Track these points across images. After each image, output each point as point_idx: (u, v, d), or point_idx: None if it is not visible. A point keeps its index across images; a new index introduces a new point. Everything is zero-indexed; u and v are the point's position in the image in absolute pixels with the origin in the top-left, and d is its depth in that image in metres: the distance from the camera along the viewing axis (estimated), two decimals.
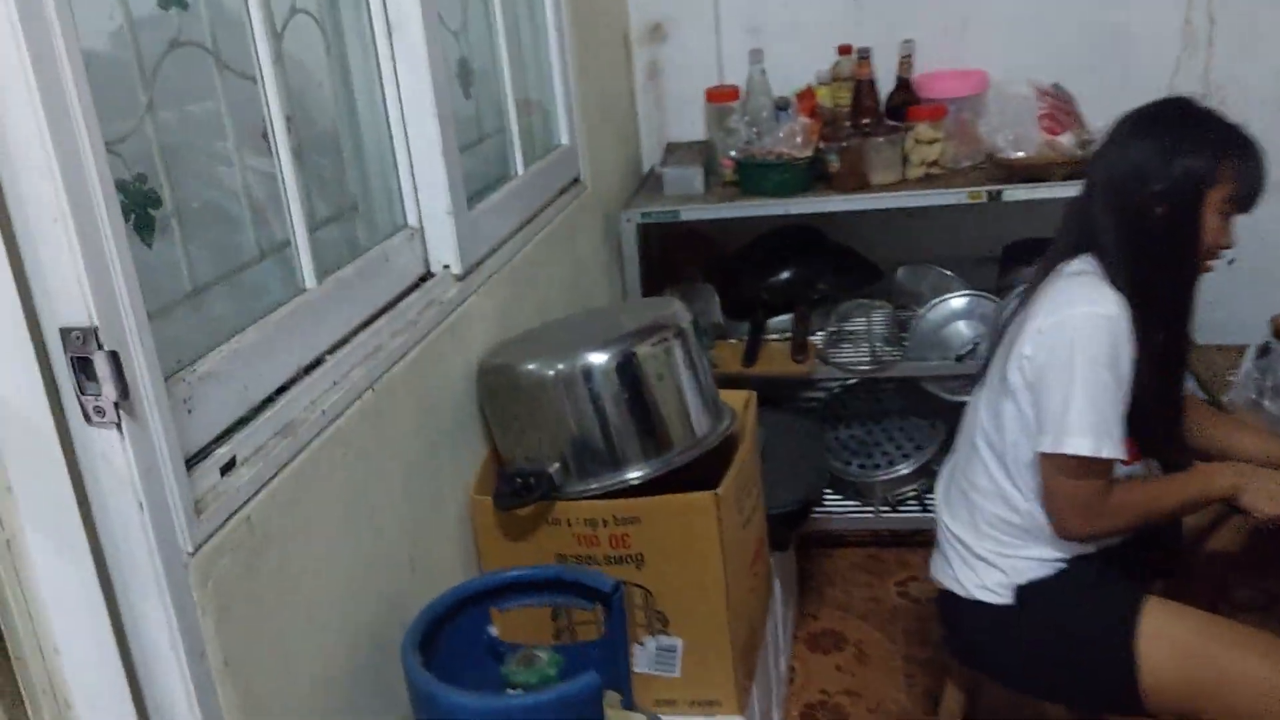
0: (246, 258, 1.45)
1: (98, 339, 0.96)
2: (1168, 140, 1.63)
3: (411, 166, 1.78)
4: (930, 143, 2.75)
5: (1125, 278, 1.63)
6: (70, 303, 0.96)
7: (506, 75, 2.22)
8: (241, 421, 1.25)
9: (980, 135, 2.81)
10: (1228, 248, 1.68)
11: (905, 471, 2.87)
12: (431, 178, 1.78)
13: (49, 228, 0.94)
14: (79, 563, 1.03)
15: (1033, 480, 1.70)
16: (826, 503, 2.88)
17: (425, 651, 1.34)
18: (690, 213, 2.68)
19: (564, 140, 2.53)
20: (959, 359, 2.62)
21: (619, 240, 2.70)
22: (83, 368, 0.97)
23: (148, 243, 1.18)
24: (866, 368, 2.67)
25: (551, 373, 1.65)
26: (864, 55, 2.81)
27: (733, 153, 2.79)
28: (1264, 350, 2.24)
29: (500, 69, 2.22)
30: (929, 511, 2.79)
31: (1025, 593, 1.74)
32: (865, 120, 2.81)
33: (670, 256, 2.99)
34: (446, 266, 1.81)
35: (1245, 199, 1.64)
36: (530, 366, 1.68)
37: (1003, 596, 1.76)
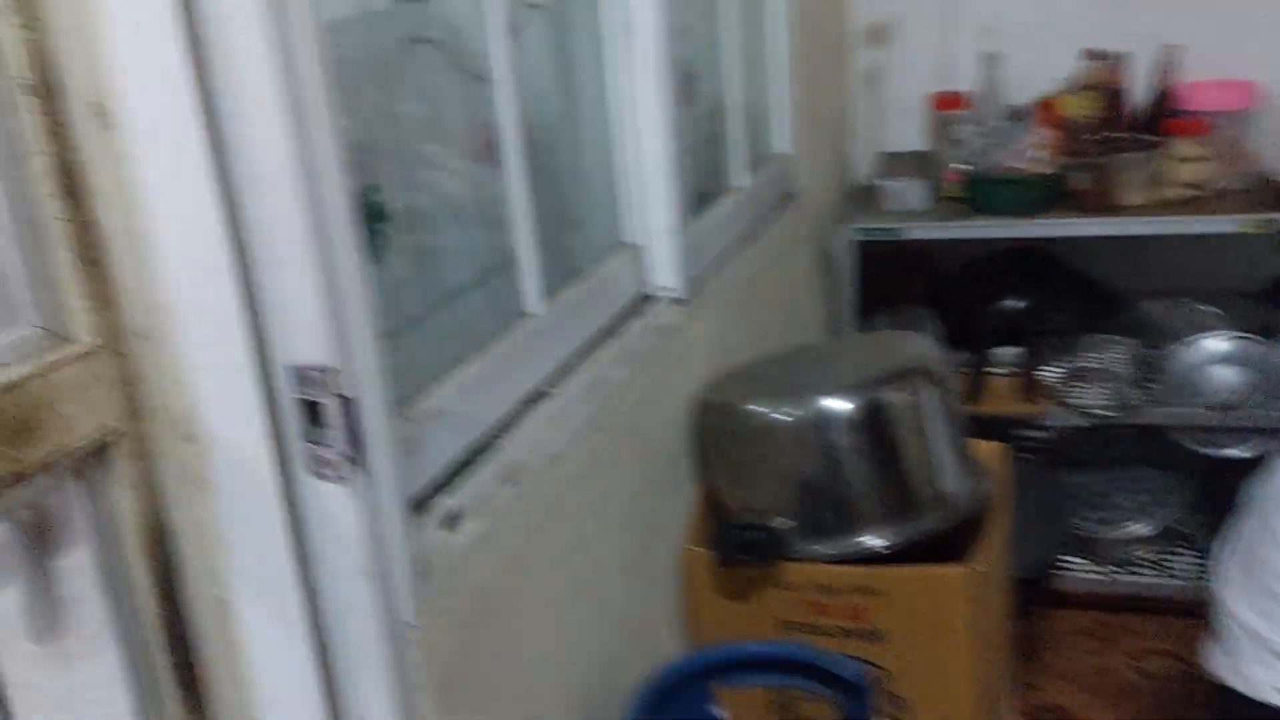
0: (468, 277, 1.32)
1: (331, 381, 0.83)
2: None
3: (636, 178, 1.62)
4: (1192, 161, 2.43)
5: None
6: (303, 337, 0.83)
7: (732, 78, 2.04)
8: (463, 466, 1.11)
9: (1250, 154, 2.47)
10: None
11: (1144, 532, 2.55)
12: (655, 191, 1.62)
13: (286, 248, 0.81)
14: (293, 630, 0.90)
15: None
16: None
17: None
18: (915, 230, 2.44)
19: (782, 149, 2.34)
20: (1221, 408, 2.29)
21: (831, 258, 2.49)
22: (311, 412, 0.84)
23: (377, 263, 1.05)
24: (1110, 412, 2.38)
25: (785, 418, 1.47)
26: (1117, 60, 2.51)
27: (960, 165, 2.54)
28: None
29: (723, 71, 2.04)
30: (1171, 577, 2.48)
31: None
32: (1115, 134, 2.51)
33: (883, 276, 2.76)
34: (667, 288, 1.65)
35: None
36: (760, 408, 1.50)
37: None
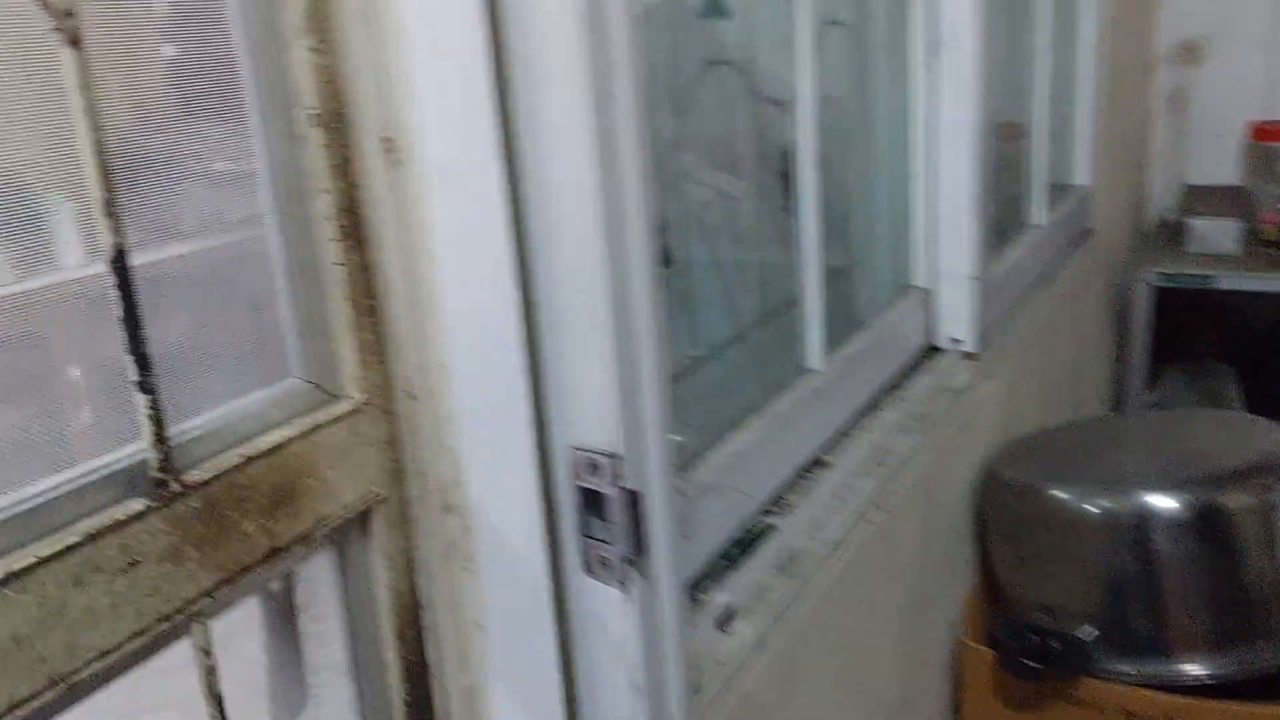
0: (741, 325, 1.19)
1: (616, 471, 0.71)
2: None
3: (930, 212, 1.44)
4: None
5: None
6: (590, 417, 0.71)
7: (1041, 101, 1.82)
8: (735, 549, 0.97)
9: None
10: None
11: None
12: (954, 228, 1.43)
13: (581, 314, 0.69)
14: None
15: None
16: None
17: None
18: (1227, 279, 2.13)
19: (1080, 180, 2.08)
20: None
21: (1124, 305, 2.20)
22: (591, 502, 0.72)
23: None
24: None
25: (1097, 510, 1.25)
26: None
27: None
28: None
29: (1034, 93, 1.82)
30: None
31: None
32: None
33: (1177, 326, 2.44)
34: (956, 340, 1.46)
35: None
36: (1066, 494, 1.29)
37: None
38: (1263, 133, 2.36)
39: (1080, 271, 2.02)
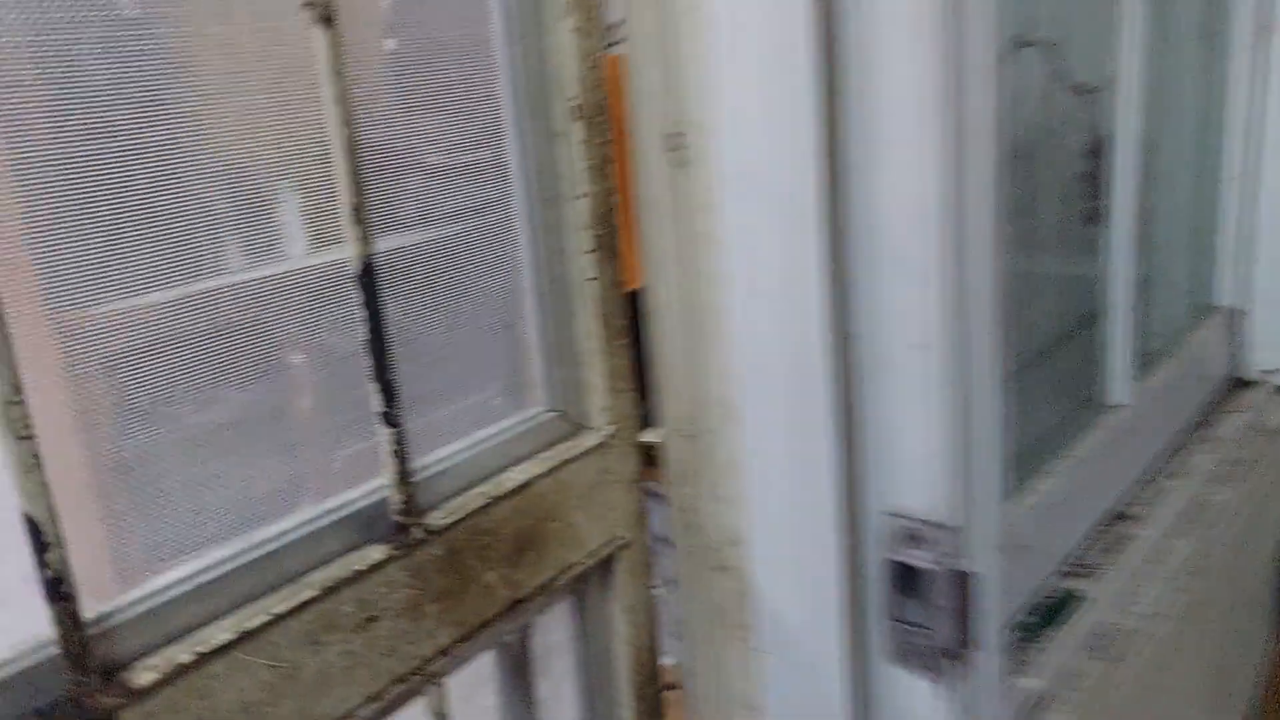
0: (1029, 350, 1.03)
1: (944, 544, 0.57)
2: None
3: (1248, 219, 1.23)
4: None
5: None
6: (913, 478, 0.58)
7: None
8: (1031, 620, 0.83)
9: None
10: None
11: None
12: (1278, 241, 1.22)
13: (912, 356, 0.56)
14: None
15: None
16: None
17: None
18: None
19: None
20: None
21: None
22: (907, 580, 0.59)
23: None
24: None
25: None
26: None
27: None
28: None
29: None
30: None
31: None
32: None
33: None
34: (1271, 372, 1.24)
35: None
36: None
37: None
38: None
39: None
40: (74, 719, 0.41)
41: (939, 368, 0.55)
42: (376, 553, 0.52)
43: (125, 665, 0.43)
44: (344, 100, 0.48)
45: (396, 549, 0.52)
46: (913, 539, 0.58)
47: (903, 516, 0.58)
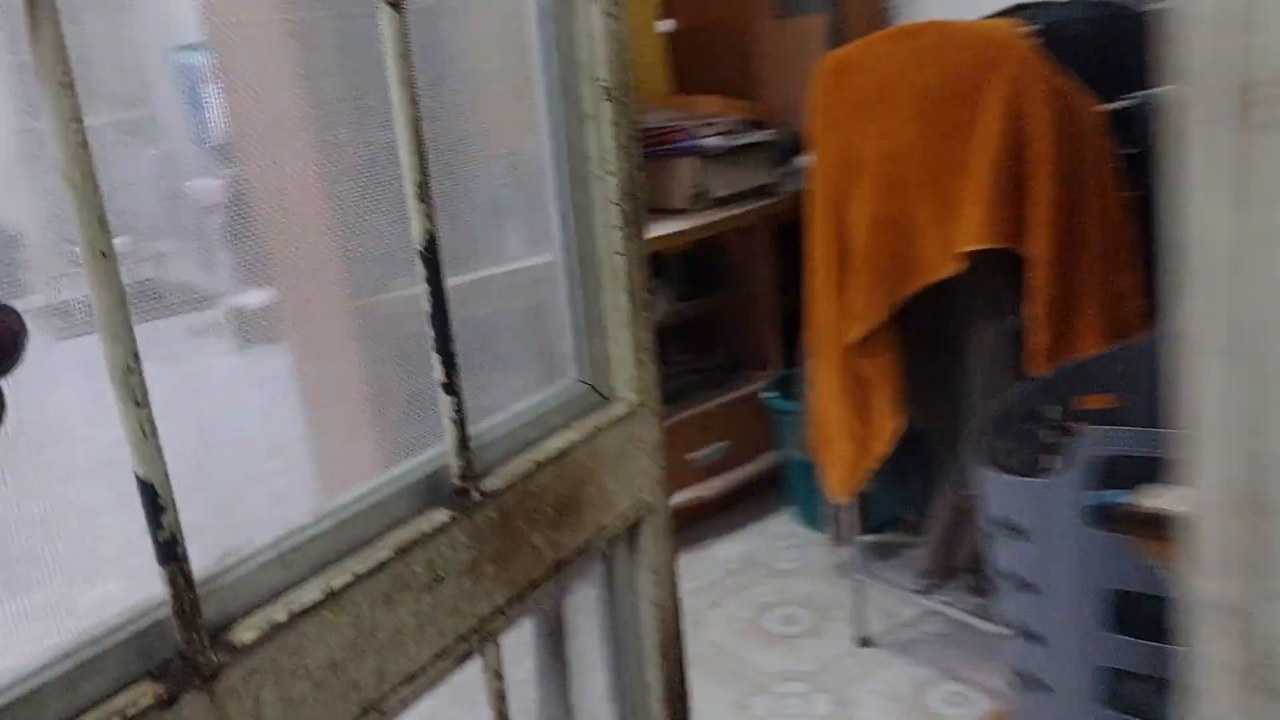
0: None
1: None
2: None
3: None
4: None
5: None
6: None
7: None
8: None
9: None
10: None
11: None
12: None
13: None
14: None
15: None
16: None
17: None
18: None
19: None
20: None
21: None
22: None
23: None
24: None
25: None
26: None
27: None
28: None
29: None
30: None
31: None
32: None
33: None
34: None
35: None
36: None
37: None
38: None
39: None
40: (185, 677, 0.42)
41: None
42: (441, 515, 0.54)
43: (229, 625, 0.45)
44: (409, 83, 0.50)
45: (458, 512, 0.55)
46: None
47: None
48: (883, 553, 1.86)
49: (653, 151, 2.01)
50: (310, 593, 0.47)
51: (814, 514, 2.04)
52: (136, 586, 0.44)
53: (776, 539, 2.09)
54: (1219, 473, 0.47)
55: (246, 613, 0.45)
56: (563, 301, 0.68)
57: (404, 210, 0.51)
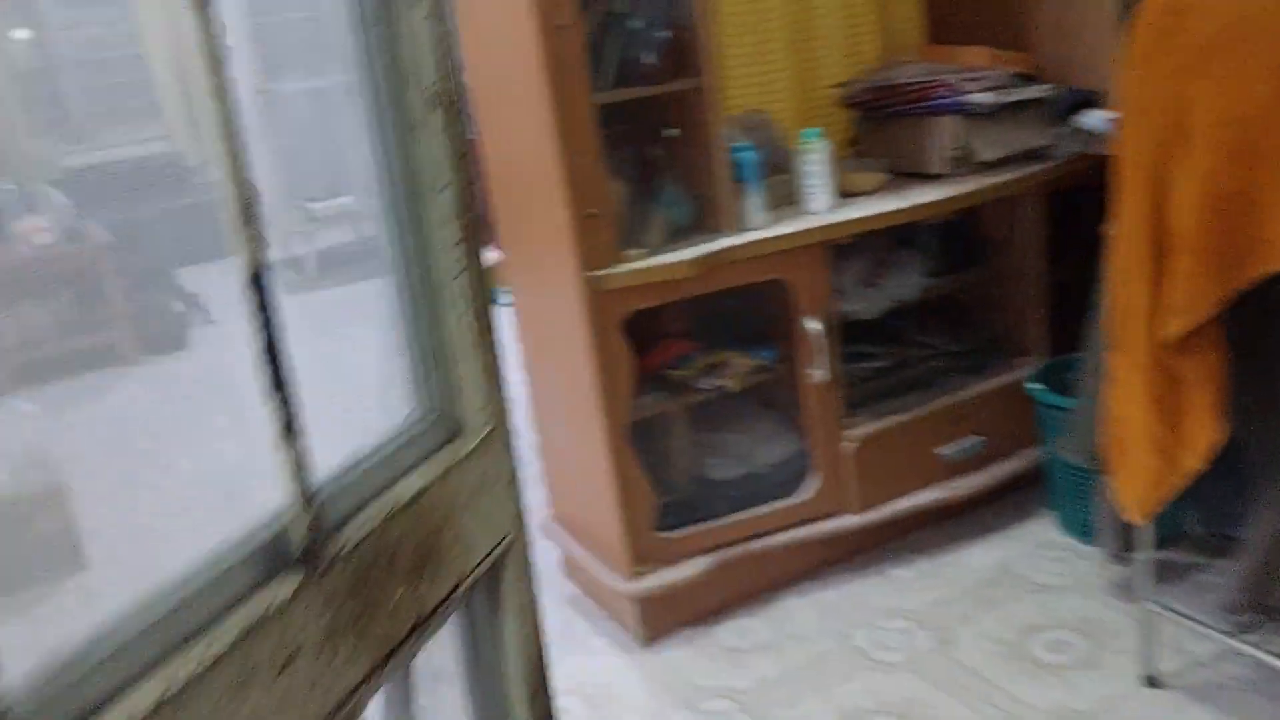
0: None
1: None
2: None
3: None
4: None
5: None
6: None
7: None
8: None
9: None
10: None
11: None
12: None
13: None
14: None
15: None
16: None
17: None
18: None
19: None
20: None
21: None
22: None
23: None
24: None
25: None
26: None
27: None
28: None
29: None
30: None
31: None
32: None
33: None
34: None
35: None
36: None
37: None
38: None
39: None
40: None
41: None
42: (290, 582, 0.47)
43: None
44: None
45: (308, 575, 0.47)
46: None
47: None
48: (1165, 573, 1.51)
49: (907, 109, 1.75)
50: (145, 698, 0.39)
51: (1081, 522, 1.74)
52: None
53: (1036, 548, 1.78)
54: None
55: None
56: (404, 326, 0.62)
57: None
